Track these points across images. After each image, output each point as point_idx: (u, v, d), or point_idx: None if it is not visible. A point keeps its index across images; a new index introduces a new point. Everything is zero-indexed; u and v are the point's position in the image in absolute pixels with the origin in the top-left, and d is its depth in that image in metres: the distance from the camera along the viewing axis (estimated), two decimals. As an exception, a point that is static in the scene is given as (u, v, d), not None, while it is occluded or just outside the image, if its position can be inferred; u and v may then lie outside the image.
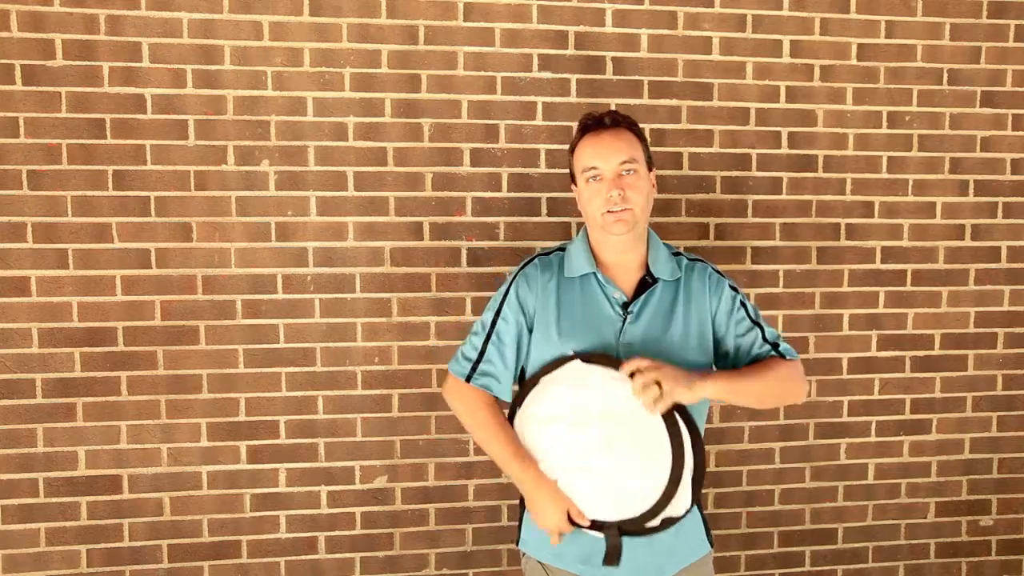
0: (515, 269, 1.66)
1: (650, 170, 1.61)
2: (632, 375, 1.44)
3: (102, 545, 2.16)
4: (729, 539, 2.39)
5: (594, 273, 1.59)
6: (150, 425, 2.14)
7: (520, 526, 1.70)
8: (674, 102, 2.23)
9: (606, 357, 1.51)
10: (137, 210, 2.09)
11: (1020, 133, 2.37)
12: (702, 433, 1.56)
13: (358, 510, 2.24)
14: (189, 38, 2.06)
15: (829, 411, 2.39)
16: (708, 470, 2.28)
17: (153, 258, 2.11)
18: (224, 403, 2.16)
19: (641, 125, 1.65)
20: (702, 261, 1.68)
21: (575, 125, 1.66)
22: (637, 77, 2.21)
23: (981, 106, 2.35)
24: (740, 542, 2.39)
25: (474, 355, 1.62)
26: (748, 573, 2.40)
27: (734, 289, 1.65)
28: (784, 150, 2.29)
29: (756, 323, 1.64)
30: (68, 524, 2.14)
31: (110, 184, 2.08)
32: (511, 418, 1.65)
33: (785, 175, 2.30)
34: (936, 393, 2.43)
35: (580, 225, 2.23)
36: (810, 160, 2.31)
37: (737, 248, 2.29)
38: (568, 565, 1.59)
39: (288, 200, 2.14)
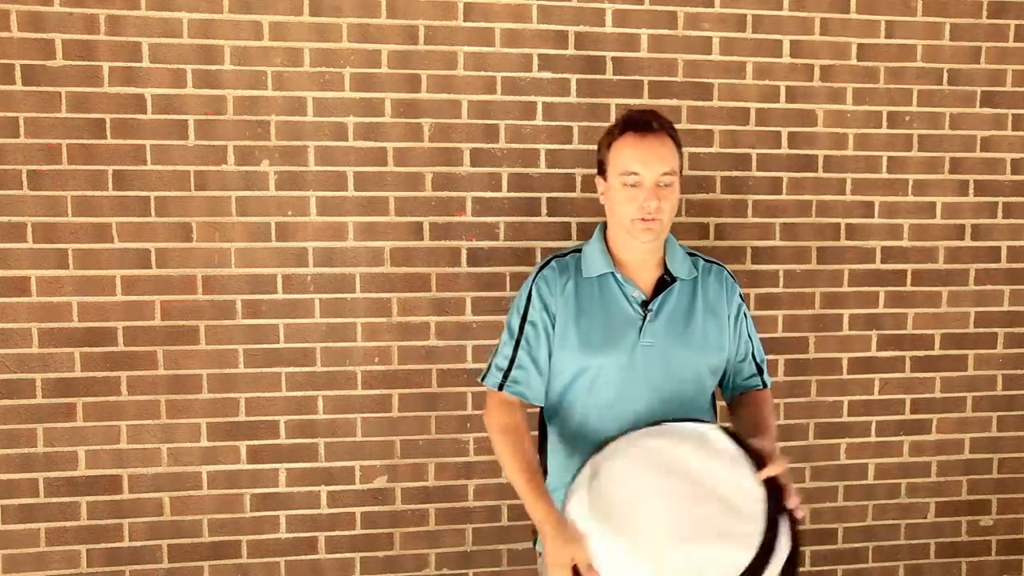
0: (532, 272, 1.65)
1: (680, 177, 1.59)
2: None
3: (102, 545, 2.16)
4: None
5: (612, 273, 1.59)
6: (150, 425, 2.14)
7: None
8: (674, 102, 2.23)
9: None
10: (137, 210, 2.09)
11: (1020, 133, 2.37)
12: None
13: (358, 510, 2.24)
14: (189, 38, 2.06)
15: (829, 411, 2.39)
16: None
17: (153, 258, 2.11)
18: (224, 403, 2.16)
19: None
20: (718, 264, 1.69)
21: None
22: (637, 77, 2.21)
23: (981, 106, 2.35)
24: (740, 542, 2.39)
25: (506, 364, 1.61)
26: (748, 573, 2.40)
27: (741, 298, 1.67)
28: (784, 150, 2.29)
29: (750, 339, 1.68)
30: (68, 524, 2.14)
31: (110, 184, 2.08)
32: (544, 427, 1.67)
33: (785, 175, 2.30)
34: (936, 393, 2.43)
35: (580, 225, 2.23)
36: (810, 160, 2.31)
37: (737, 248, 2.29)
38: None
39: (288, 200, 2.14)
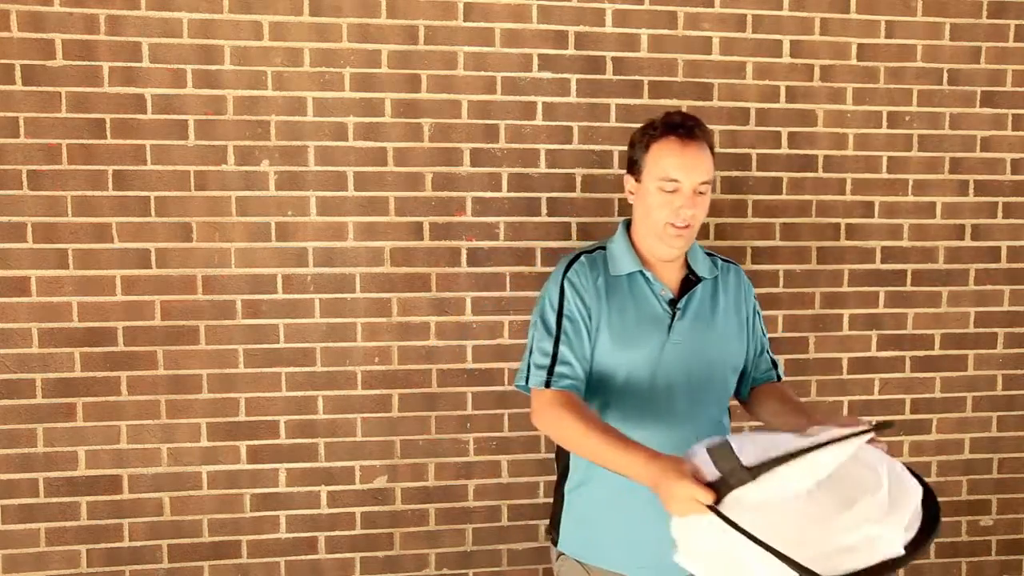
0: (557, 270, 1.61)
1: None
2: None
3: (102, 545, 2.16)
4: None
5: (641, 271, 1.59)
6: (150, 425, 2.14)
7: (558, 523, 1.65)
8: (674, 102, 2.22)
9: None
10: (137, 210, 2.09)
11: (1020, 133, 2.37)
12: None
13: (358, 510, 2.24)
14: (189, 38, 2.06)
15: (829, 411, 2.39)
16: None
17: (153, 258, 2.11)
18: (224, 403, 2.16)
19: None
20: (735, 264, 1.72)
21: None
22: (637, 77, 2.21)
23: (981, 106, 2.35)
24: (740, 542, 2.38)
25: (546, 361, 1.53)
26: (748, 573, 2.40)
27: (758, 312, 1.72)
28: (784, 150, 2.29)
29: (763, 334, 1.72)
30: (68, 524, 2.14)
31: (110, 184, 2.08)
32: None
33: (785, 175, 2.30)
34: (936, 393, 2.43)
35: (580, 225, 2.23)
36: (810, 160, 2.31)
37: (737, 248, 2.29)
38: (621, 567, 1.56)
39: (288, 200, 2.14)
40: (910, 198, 2.35)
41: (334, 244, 2.16)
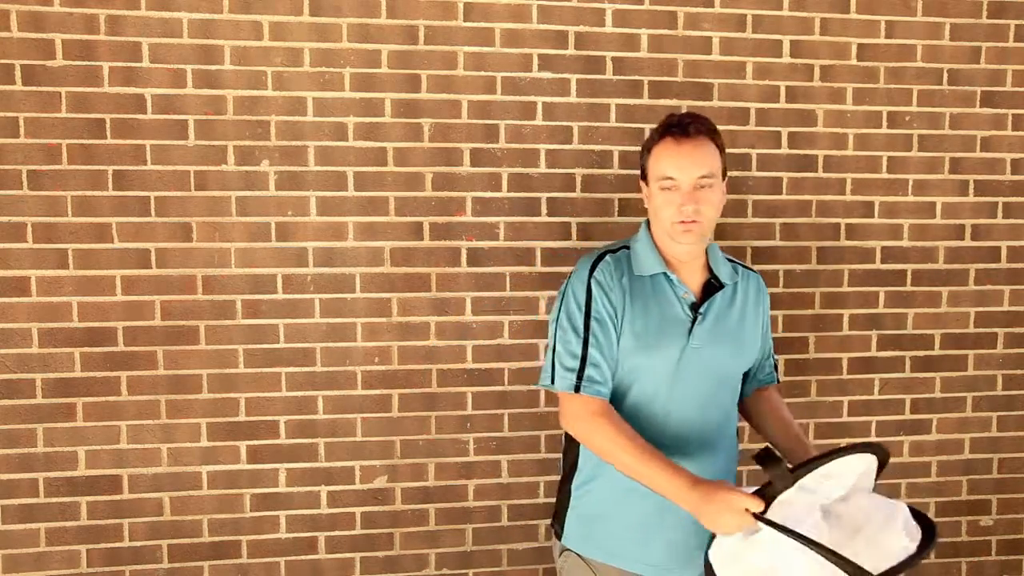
0: (581, 269, 1.61)
1: (724, 178, 1.60)
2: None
3: (102, 545, 2.16)
4: (729, 539, 2.38)
5: (664, 273, 1.59)
6: (150, 425, 2.14)
7: (563, 518, 1.66)
8: (674, 102, 2.23)
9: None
10: (137, 210, 2.09)
11: (1020, 133, 2.37)
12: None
13: (358, 510, 2.24)
14: (189, 38, 2.06)
15: (829, 411, 2.39)
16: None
17: (153, 258, 2.11)
18: (224, 403, 2.16)
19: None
20: (755, 272, 1.74)
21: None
22: (637, 77, 2.21)
23: (981, 106, 2.35)
24: (740, 542, 2.39)
25: (575, 363, 1.53)
26: (748, 573, 2.40)
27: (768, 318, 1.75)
28: (784, 150, 2.29)
29: (769, 337, 1.77)
30: (68, 524, 2.14)
31: (110, 184, 2.08)
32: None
33: (785, 175, 2.30)
34: (936, 393, 2.43)
35: (580, 225, 2.23)
36: (810, 160, 2.31)
37: (737, 248, 2.29)
38: (628, 565, 1.57)
39: (288, 200, 2.14)
40: (910, 198, 2.35)
41: (334, 244, 2.16)
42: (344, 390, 2.20)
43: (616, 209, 2.23)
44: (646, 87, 2.22)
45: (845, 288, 2.35)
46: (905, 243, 2.36)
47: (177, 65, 2.07)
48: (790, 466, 1.37)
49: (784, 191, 2.30)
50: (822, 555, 1.23)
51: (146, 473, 2.15)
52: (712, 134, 1.57)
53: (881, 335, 2.39)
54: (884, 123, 2.32)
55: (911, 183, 2.35)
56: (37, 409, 2.10)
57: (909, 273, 2.38)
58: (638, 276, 1.59)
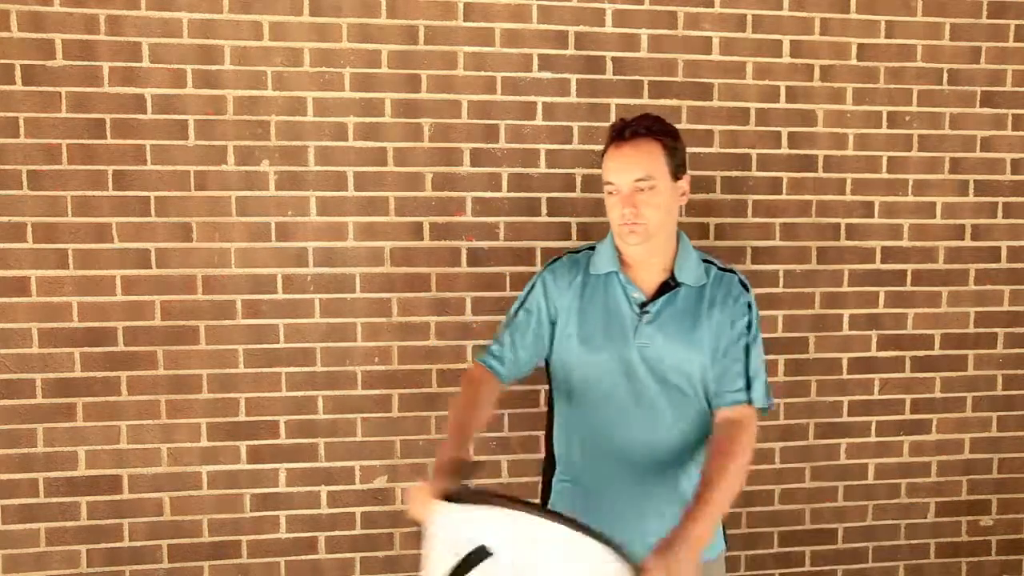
0: (543, 267, 1.71)
1: (679, 177, 1.58)
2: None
3: (102, 545, 2.16)
4: (729, 539, 2.37)
5: (616, 272, 1.61)
6: (150, 425, 2.14)
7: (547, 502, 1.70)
8: (674, 102, 2.23)
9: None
10: (137, 210, 2.09)
11: (1020, 133, 2.37)
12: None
13: (358, 510, 2.24)
14: (189, 38, 2.06)
15: (829, 411, 2.39)
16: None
17: (153, 258, 2.11)
18: (224, 403, 2.16)
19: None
20: (734, 274, 1.63)
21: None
22: (637, 77, 2.21)
23: (981, 106, 2.35)
24: (740, 542, 2.39)
25: (494, 344, 1.67)
26: (748, 573, 2.40)
27: (750, 321, 1.57)
28: (784, 150, 2.29)
29: (746, 353, 1.55)
30: (68, 524, 2.14)
31: (110, 184, 2.08)
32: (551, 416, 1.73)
33: (785, 175, 2.30)
34: (936, 393, 2.43)
35: (580, 225, 2.23)
36: (810, 160, 2.31)
37: (737, 248, 2.29)
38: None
39: (288, 200, 2.14)
40: (910, 198, 2.35)
41: (334, 244, 2.16)
42: (344, 390, 2.20)
43: (616, 209, 2.23)
44: (646, 87, 2.22)
45: (845, 288, 2.35)
46: (905, 243, 2.36)
47: (177, 65, 2.07)
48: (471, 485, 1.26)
49: (784, 191, 2.30)
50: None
51: (146, 473, 2.16)
52: (659, 134, 1.54)
53: (881, 335, 2.39)
54: (884, 123, 2.32)
55: (911, 183, 2.35)
56: (37, 409, 2.10)
57: (909, 273, 2.38)
58: (593, 275, 1.63)
